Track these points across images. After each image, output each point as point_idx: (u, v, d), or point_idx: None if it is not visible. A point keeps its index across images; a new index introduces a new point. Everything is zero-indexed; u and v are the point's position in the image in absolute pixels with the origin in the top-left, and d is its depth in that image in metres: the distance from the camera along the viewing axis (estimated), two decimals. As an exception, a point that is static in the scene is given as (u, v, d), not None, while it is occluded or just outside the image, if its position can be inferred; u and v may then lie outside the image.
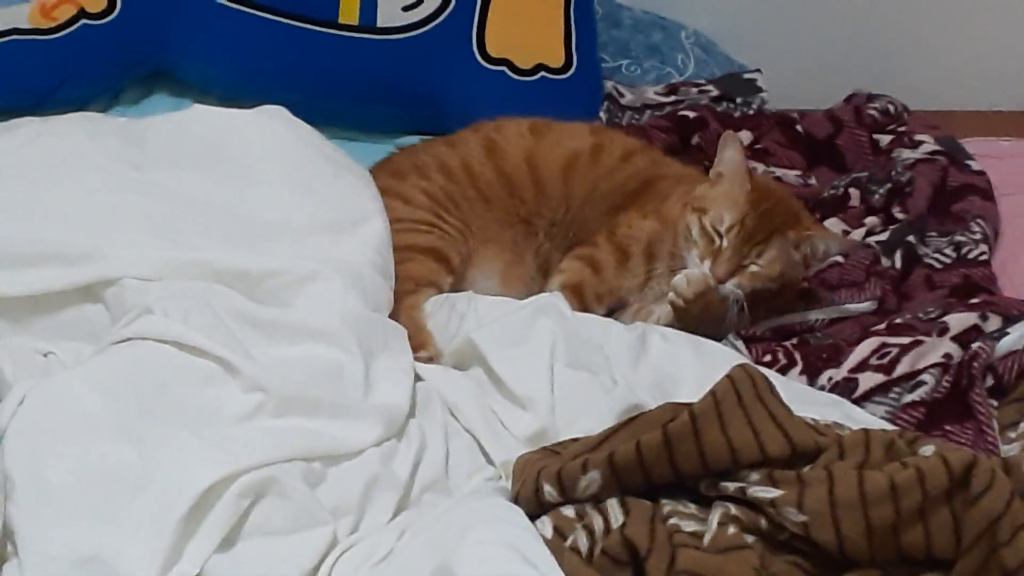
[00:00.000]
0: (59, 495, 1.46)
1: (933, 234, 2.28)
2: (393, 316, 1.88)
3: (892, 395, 1.85)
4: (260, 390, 1.61)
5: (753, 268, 2.00)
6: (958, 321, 1.94)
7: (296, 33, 2.46)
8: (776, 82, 2.73)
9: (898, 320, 2.00)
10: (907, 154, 2.46)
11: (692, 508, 1.46)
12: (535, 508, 1.48)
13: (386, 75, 2.49)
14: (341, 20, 2.47)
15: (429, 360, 1.85)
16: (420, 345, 1.87)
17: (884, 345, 1.92)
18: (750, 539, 1.41)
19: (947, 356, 1.86)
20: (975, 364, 1.84)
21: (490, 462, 1.69)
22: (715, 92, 2.68)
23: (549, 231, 2.18)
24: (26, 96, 2.35)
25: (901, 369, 1.87)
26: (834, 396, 1.85)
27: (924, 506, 1.37)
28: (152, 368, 1.61)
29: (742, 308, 2.00)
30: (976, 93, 3.04)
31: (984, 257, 2.21)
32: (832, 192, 2.41)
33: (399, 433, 1.67)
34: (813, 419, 1.55)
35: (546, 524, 1.45)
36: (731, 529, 1.41)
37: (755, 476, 1.43)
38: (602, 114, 2.61)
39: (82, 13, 2.38)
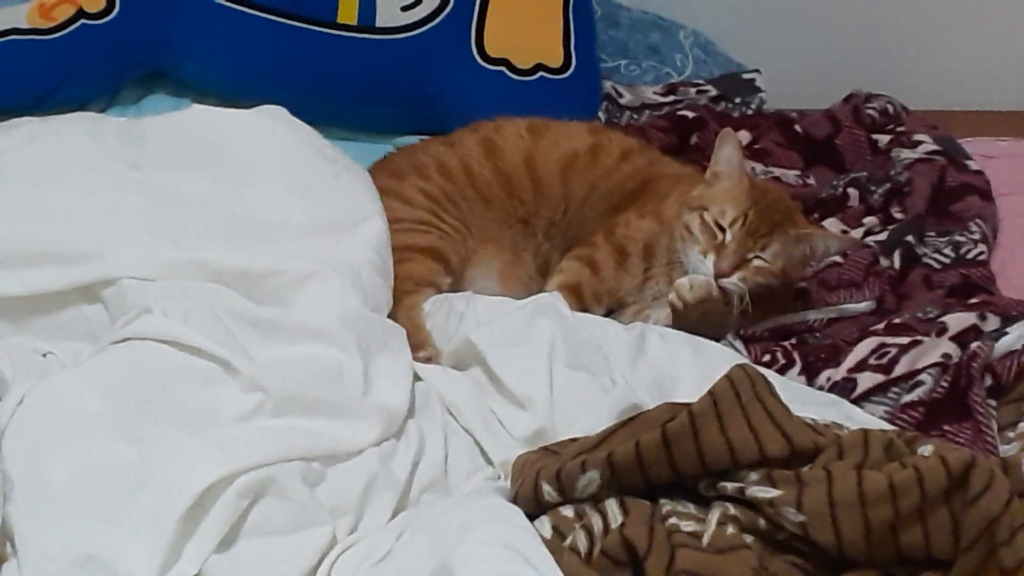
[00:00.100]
0: (58, 495, 1.46)
1: (932, 234, 2.28)
2: (392, 316, 1.88)
3: (891, 395, 1.85)
4: (259, 390, 1.61)
5: (757, 262, 2.00)
6: (957, 321, 1.94)
7: (295, 33, 2.46)
8: (775, 82, 2.73)
9: (897, 320, 2.00)
10: (906, 154, 2.47)
11: (691, 508, 1.46)
12: (534, 508, 1.48)
13: (385, 75, 2.49)
14: (340, 20, 2.47)
15: (428, 360, 1.85)
16: (419, 345, 1.87)
17: (883, 345, 1.92)
18: (749, 539, 1.41)
19: (946, 356, 1.86)
20: (974, 364, 1.84)
21: (489, 462, 1.69)
22: (714, 92, 2.68)
23: (548, 231, 2.18)
24: (25, 96, 2.35)
25: (900, 369, 1.87)
26: (833, 396, 1.85)
27: (923, 506, 1.37)
28: (151, 368, 1.61)
29: (744, 305, 2.00)
30: (975, 93, 3.04)
31: (983, 257, 2.21)
32: (831, 192, 2.41)
33: (398, 433, 1.67)
34: (812, 419, 1.55)
35: (545, 524, 1.45)
36: (730, 529, 1.41)
37: (754, 476, 1.43)
38: (601, 114, 2.61)
39: (81, 13, 2.38)
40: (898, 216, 2.33)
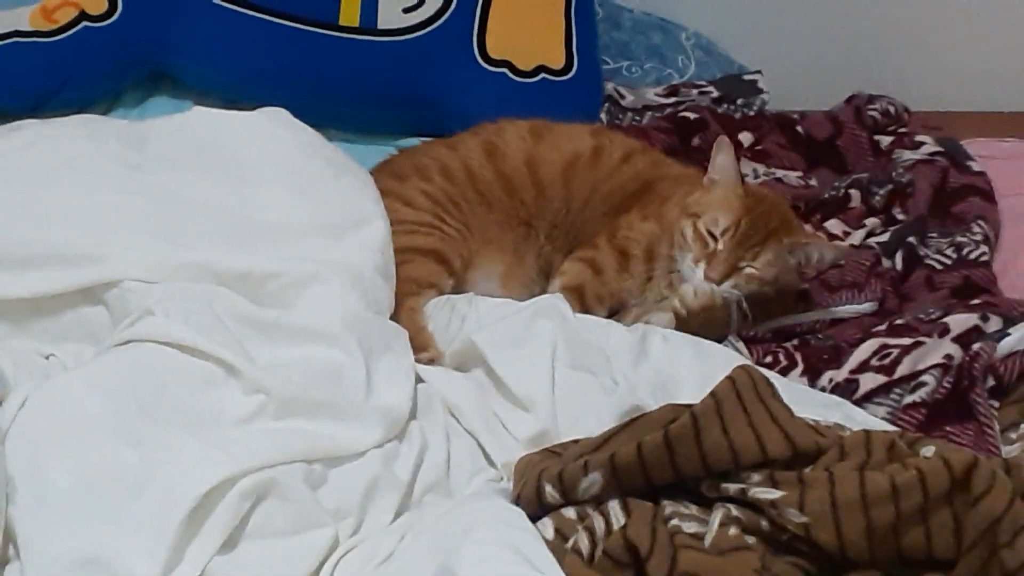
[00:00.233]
0: (60, 497, 1.46)
1: (934, 235, 2.28)
2: (394, 318, 1.88)
3: (893, 396, 1.85)
4: (261, 392, 1.61)
5: (749, 270, 2.00)
6: (959, 322, 1.95)
7: (297, 35, 2.46)
8: (776, 83, 2.73)
9: (899, 321, 2.00)
10: (908, 155, 2.47)
11: (693, 509, 1.46)
12: (536, 509, 1.48)
13: (387, 77, 2.49)
14: (342, 22, 2.47)
15: (430, 362, 1.85)
16: (421, 347, 1.87)
17: (885, 346, 1.92)
18: (751, 540, 1.41)
19: (948, 357, 1.86)
20: (976, 365, 1.84)
21: (491, 464, 1.69)
22: (715, 93, 2.68)
23: (550, 233, 2.18)
24: (27, 98, 2.35)
25: (902, 370, 1.87)
26: (835, 397, 1.86)
27: (925, 507, 1.37)
28: (153, 370, 1.61)
29: (741, 309, 2.00)
30: (977, 94, 3.03)
31: (985, 258, 2.21)
32: (832, 193, 2.41)
33: (400, 435, 1.67)
34: (814, 420, 1.55)
35: (547, 525, 1.45)
36: (732, 530, 1.41)
37: (756, 477, 1.43)
38: (603, 116, 2.61)
39: (83, 15, 2.38)
40: (900, 217, 2.33)
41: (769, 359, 1.97)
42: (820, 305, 2.11)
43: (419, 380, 1.77)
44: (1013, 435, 1.78)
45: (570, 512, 1.46)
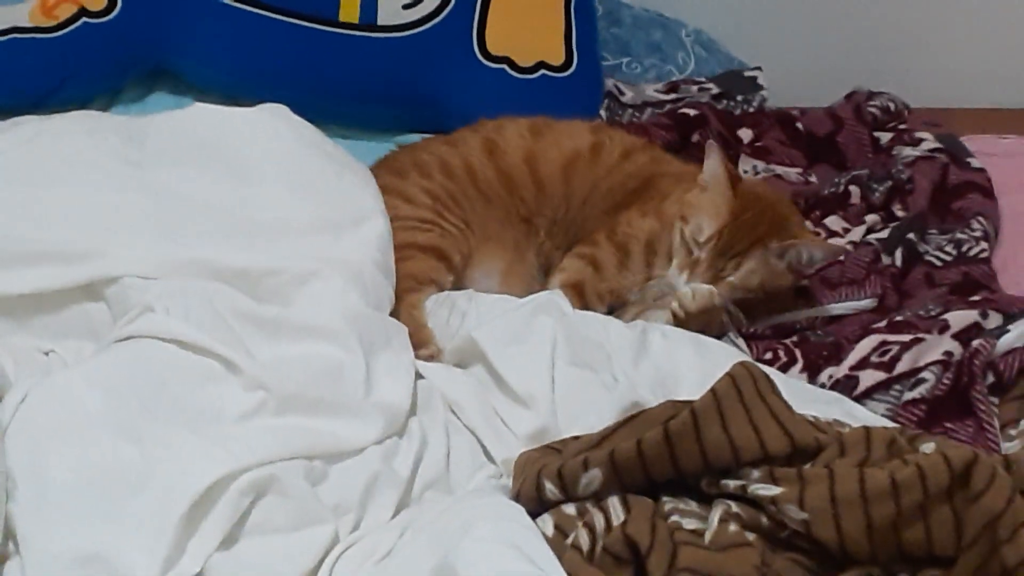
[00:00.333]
0: (60, 493, 1.46)
1: (933, 232, 2.28)
2: (394, 314, 1.88)
3: (893, 393, 1.86)
4: (261, 388, 1.61)
5: (730, 279, 2.01)
6: (958, 319, 1.94)
7: (296, 32, 2.46)
8: (776, 80, 2.73)
9: (898, 318, 2.00)
10: (907, 152, 2.47)
11: (693, 506, 1.46)
12: (536, 506, 1.48)
13: (386, 73, 2.49)
14: (341, 19, 2.47)
15: (430, 358, 1.85)
16: (421, 343, 1.87)
17: (885, 343, 1.92)
18: (751, 537, 1.42)
19: (948, 354, 1.86)
20: (976, 361, 1.84)
21: (491, 460, 1.69)
22: (715, 90, 2.68)
23: (550, 230, 2.18)
24: (27, 95, 2.35)
25: (902, 367, 1.87)
26: (835, 394, 1.86)
27: (925, 503, 1.37)
28: (153, 366, 1.61)
29: (731, 313, 2.01)
30: (977, 91, 3.04)
31: (984, 255, 2.21)
32: (832, 190, 2.41)
33: (400, 431, 1.67)
34: (814, 417, 1.55)
35: (547, 522, 1.45)
36: (732, 527, 1.42)
37: (756, 474, 1.43)
38: (603, 112, 2.61)
39: (83, 12, 2.38)
40: (900, 214, 2.33)
41: (769, 355, 1.97)
42: (820, 302, 2.11)
43: (419, 376, 1.77)
44: (1013, 431, 1.78)
45: (570, 508, 1.46)
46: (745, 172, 2.45)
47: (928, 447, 1.46)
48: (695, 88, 2.69)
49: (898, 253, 2.20)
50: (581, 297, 2.05)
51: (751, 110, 2.66)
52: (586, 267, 2.10)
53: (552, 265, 2.15)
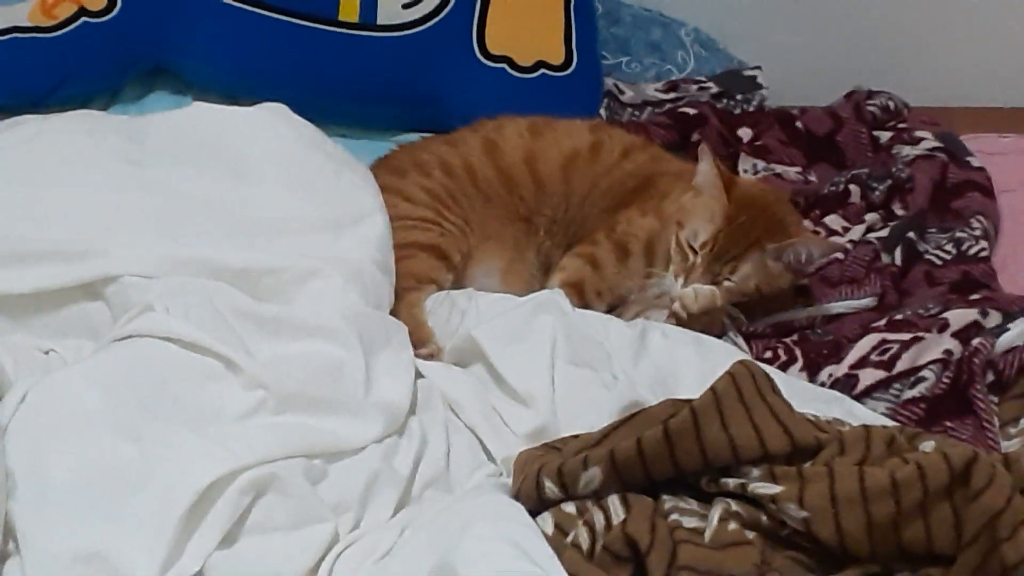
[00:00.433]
0: (60, 492, 1.46)
1: (933, 230, 2.28)
2: (394, 313, 1.88)
3: (893, 391, 1.86)
4: (261, 387, 1.61)
5: (726, 283, 2.01)
6: (958, 317, 1.94)
7: (296, 31, 2.46)
8: (776, 79, 2.73)
9: (898, 316, 2.00)
10: (907, 150, 2.47)
11: (693, 504, 1.46)
12: (536, 504, 1.48)
13: (386, 73, 2.49)
14: (341, 18, 2.47)
15: (430, 357, 1.85)
16: (421, 342, 1.87)
17: (884, 341, 1.92)
18: (751, 535, 1.42)
19: (947, 352, 1.86)
20: (975, 360, 1.84)
21: (491, 459, 1.69)
22: (715, 89, 2.68)
23: (550, 229, 2.18)
24: (27, 94, 2.35)
25: (901, 365, 1.87)
26: (835, 392, 1.86)
27: (925, 502, 1.38)
28: (153, 365, 1.61)
29: (730, 315, 2.01)
30: (976, 89, 3.04)
31: (984, 253, 2.21)
32: (832, 189, 2.41)
33: (400, 430, 1.67)
34: (814, 415, 1.55)
35: (547, 520, 1.45)
36: (732, 525, 1.42)
37: (756, 472, 1.43)
38: (602, 111, 2.61)
39: (82, 11, 2.38)
40: (899, 212, 2.33)
41: (769, 354, 1.97)
42: (820, 300, 2.11)
43: (419, 375, 1.77)
44: (1012, 430, 1.78)
45: (570, 507, 1.46)
46: (745, 171, 2.45)
47: (928, 446, 1.46)
48: (695, 87, 2.69)
49: (898, 252, 2.20)
50: (581, 296, 2.05)
51: (751, 109, 2.66)
52: (585, 266, 2.10)
53: (552, 264, 2.15)
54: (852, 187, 2.39)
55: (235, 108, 2.03)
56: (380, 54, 2.48)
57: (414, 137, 2.42)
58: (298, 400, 1.61)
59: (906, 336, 1.92)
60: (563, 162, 2.20)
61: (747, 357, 1.88)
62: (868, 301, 2.09)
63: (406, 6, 2.49)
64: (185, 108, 2.09)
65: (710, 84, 2.70)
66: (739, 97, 2.67)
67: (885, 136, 2.55)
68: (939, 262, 2.20)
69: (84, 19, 2.38)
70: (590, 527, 1.43)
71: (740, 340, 2.00)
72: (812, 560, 1.41)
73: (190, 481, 1.45)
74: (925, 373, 1.84)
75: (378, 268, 1.87)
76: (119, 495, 1.46)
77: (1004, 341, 1.88)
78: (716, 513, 1.43)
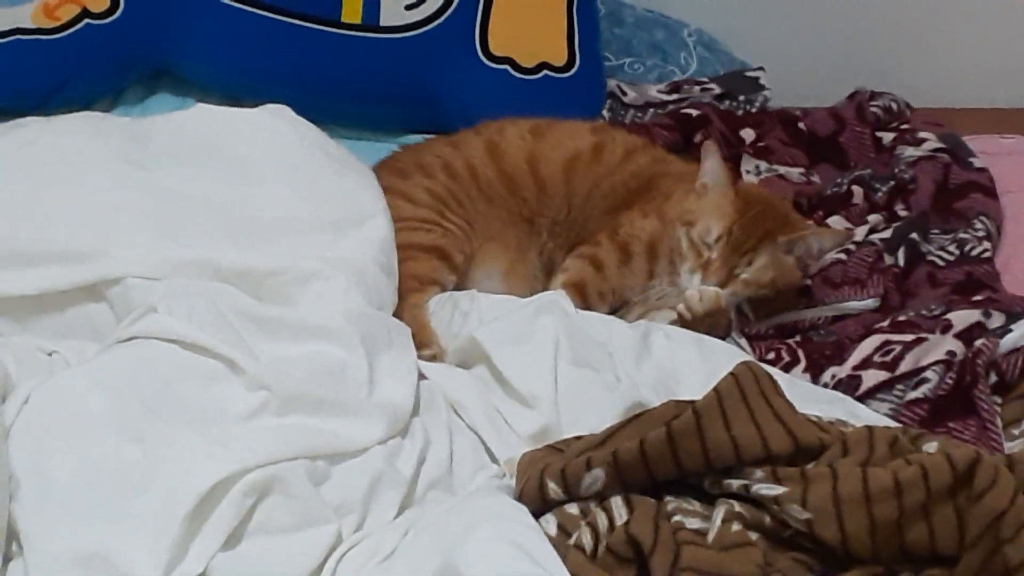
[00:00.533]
0: (63, 494, 1.46)
1: (936, 231, 2.28)
2: (397, 314, 1.88)
3: (895, 392, 1.85)
4: (264, 388, 1.61)
5: (744, 276, 2.01)
6: (961, 318, 1.94)
7: (299, 32, 2.46)
8: (779, 80, 2.73)
9: (901, 317, 2.00)
10: (910, 151, 2.46)
11: (696, 505, 1.46)
12: (539, 506, 1.48)
13: (388, 74, 2.49)
14: (344, 19, 2.47)
15: (433, 358, 1.85)
16: (424, 343, 1.87)
17: (887, 342, 1.92)
18: (754, 536, 1.42)
19: (950, 353, 1.86)
20: (978, 361, 1.84)
21: (494, 460, 1.69)
22: (718, 90, 2.68)
23: (552, 230, 2.18)
24: (29, 96, 2.35)
25: (904, 366, 1.87)
26: (837, 393, 1.85)
27: (928, 503, 1.37)
28: (156, 367, 1.61)
29: (743, 313, 2.01)
30: (979, 90, 3.04)
31: (987, 254, 2.21)
32: (835, 190, 2.41)
33: (403, 431, 1.67)
34: (817, 416, 1.55)
35: (550, 522, 1.45)
36: (735, 526, 1.42)
37: (759, 473, 1.43)
38: (605, 112, 2.61)
39: (85, 13, 2.39)
40: (902, 213, 2.33)
41: (771, 355, 1.97)
42: (822, 301, 2.11)
43: (422, 377, 1.77)
44: (1016, 431, 1.78)
45: (573, 508, 1.46)
46: (747, 172, 2.45)
47: (931, 447, 1.46)
48: (697, 88, 2.69)
49: (901, 253, 2.20)
50: (583, 297, 2.05)
51: (753, 110, 2.66)
52: (588, 267, 2.10)
53: (554, 265, 2.16)
54: (855, 188, 2.39)
55: (237, 109, 2.03)
56: (382, 55, 2.48)
57: (417, 138, 2.42)
58: (301, 401, 1.61)
59: (909, 337, 1.92)
60: (565, 164, 2.20)
61: (750, 358, 1.88)
62: (871, 302, 2.09)
63: (409, 7, 2.50)
64: (187, 110, 2.09)
65: (713, 85, 2.70)
66: (742, 98, 2.67)
67: (888, 137, 2.55)
68: (942, 263, 2.19)
69: (87, 21, 2.39)
70: (593, 528, 1.43)
71: (743, 341, 2.00)
72: (815, 561, 1.41)
73: (193, 482, 1.45)
74: (928, 374, 1.83)
75: (381, 269, 1.87)
76: (122, 496, 1.46)
77: (1007, 342, 1.88)
78: (719, 514, 1.43)
